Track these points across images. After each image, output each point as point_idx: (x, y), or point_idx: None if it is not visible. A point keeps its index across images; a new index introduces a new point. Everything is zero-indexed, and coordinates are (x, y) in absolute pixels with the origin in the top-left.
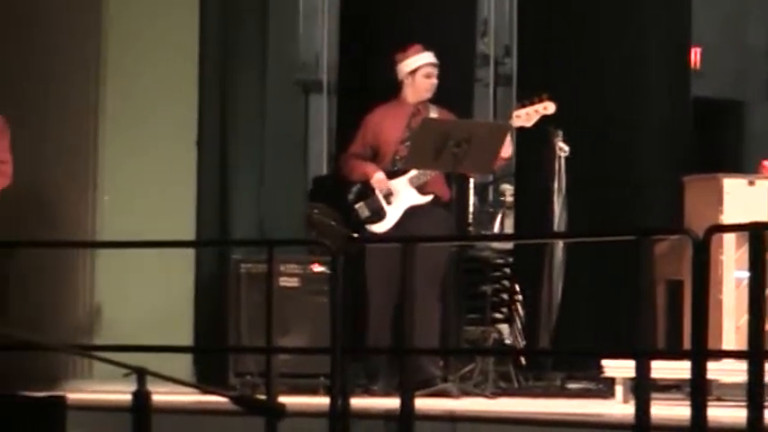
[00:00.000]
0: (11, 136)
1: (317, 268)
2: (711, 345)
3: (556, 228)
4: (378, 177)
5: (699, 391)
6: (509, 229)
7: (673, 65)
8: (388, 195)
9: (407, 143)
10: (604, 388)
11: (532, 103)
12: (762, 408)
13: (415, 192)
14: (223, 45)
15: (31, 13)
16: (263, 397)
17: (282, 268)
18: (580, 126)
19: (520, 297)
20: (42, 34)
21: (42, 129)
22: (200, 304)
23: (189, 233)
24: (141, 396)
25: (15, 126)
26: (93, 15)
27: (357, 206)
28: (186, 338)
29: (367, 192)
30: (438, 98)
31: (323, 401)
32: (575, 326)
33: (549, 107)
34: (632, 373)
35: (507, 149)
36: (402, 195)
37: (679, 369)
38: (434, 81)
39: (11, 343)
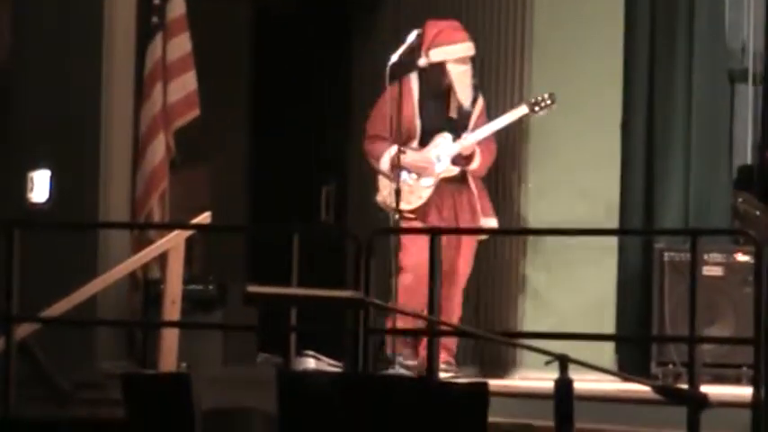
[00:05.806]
0: None
1: (741, 257)
2: None
3: None
4: None
5: None
6: None
7: None
8: None
9: None
10: None
11: None
12: None
13: None
14: (650, 30)
15: None
16: (685, 386)
17: (706, 257)
18: None
19: None
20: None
21: None
22: (624, 293)
23: (613, 221)
24: (563, 383)
25: None
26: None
27: None
28: (609, 327)
29: None
30: None
31: (746, 391)
32: None
33: None
34: None
35: None
36: None
37: None
38: None
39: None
